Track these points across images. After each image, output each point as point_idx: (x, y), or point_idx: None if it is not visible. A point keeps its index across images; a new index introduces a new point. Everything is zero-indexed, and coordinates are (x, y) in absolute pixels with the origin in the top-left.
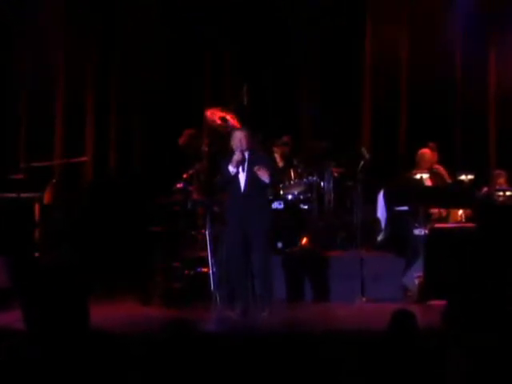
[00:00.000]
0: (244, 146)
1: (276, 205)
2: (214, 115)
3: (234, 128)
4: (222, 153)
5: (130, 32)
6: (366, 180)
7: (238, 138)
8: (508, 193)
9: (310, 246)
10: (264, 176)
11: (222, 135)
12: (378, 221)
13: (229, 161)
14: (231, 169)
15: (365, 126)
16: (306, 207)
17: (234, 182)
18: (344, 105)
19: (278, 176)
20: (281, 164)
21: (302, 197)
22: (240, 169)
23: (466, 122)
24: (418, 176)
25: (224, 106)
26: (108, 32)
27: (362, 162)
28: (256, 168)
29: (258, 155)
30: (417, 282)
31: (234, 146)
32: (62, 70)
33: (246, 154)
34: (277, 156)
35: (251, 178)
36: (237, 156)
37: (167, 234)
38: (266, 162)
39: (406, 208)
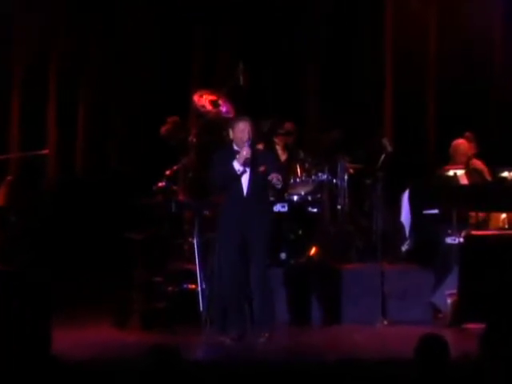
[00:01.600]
0: (250, 136)
1: (279, 207)
2: (203, 99)
3: (229, 116)
4: (212, 145)
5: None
6: (388, 178)
7: (243, 130)
8: None
9: (319, 258)
10: (277, 182)
11: (213, 123)
12: (402, 227)
13: (228, 156)
14: (238, 167)
15: (386, 112)
16: (314, 210)
17: (235, 183)
18: (361, 87)
19: (285, 177)
20: (283, 157)
21: (309, 198)
22: (249, 167)
23: (506, 109)
24: (451, 173)
25: (215, 87)
26: (76, 13)
27: (383, 156)
28: (270, 177)
29: (262, 152)
30: (449, 300)
31: (238, 140)
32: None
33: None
34: (278, 148)
35: (255, 178)
36: (246, 152)
37: (147, 242)
38: (272, 161)
39: (436, 211)
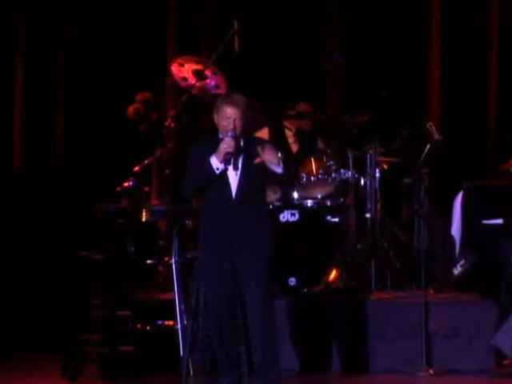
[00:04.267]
0: (239, 127)
1: (287, 216)
2: (185, 69)
3: (219, 91)
4: (197, 131)
5: None
6: (435, 176)
7: (228, 113)
8: None
9: (341, 284)
10: (273, 160)
11: (198, 102)
12: (453, 242)
13: (211, 148)
14: (216, 163)
15: (432, 90)
16: (335, 220)
17: (218, 183)
18: (396, 56)
19: (292, 169)
20: (295, 148)
21: (329, 203)
22: (231, 164)
23: None
24: None
25: (200, 54)
26: None
27: (429, 147)
28: (259, 148)
29: (258, 142)
30: None
31: (222, 128)
32: None
33: (241, 141)
34: (289, 135)
35: (247, 178)
36: (226, 143)
37: (108, 263)
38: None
39: (499, 221)
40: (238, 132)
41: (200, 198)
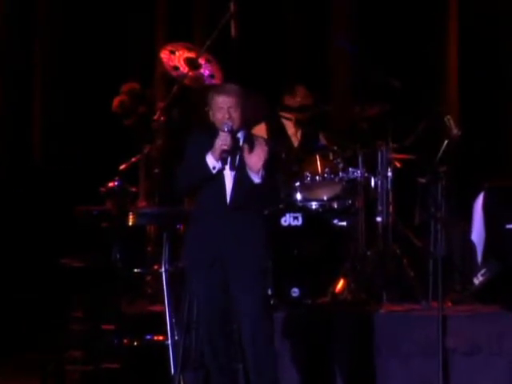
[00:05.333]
0: (236, 119)
1: (289, 220)
2: (176, 57)
3: (214, 81)
4: (190, 126)
5: None
6: (454, 175)
7: (220, 102)
8: None
9: (348, 295)
10: (252, 165)
11: (191, 94)
12: (473, 249)
13: (208, 142)
14: (212, 161)
15: (450, 80)
16: (343, 224)
17: (212, 183)
18: (409, 42)
19: (280, 185)
20: (296, 143)
21: (335, 205)
22: (228, 163)
23: None
24: None
25: (193, 40)
26: None
27: (446, 143)
28: (245, 146)
29: (258, 140)
30: None
31: (217, 120)
32: None
33: (241, 136)
34: (289, 126)
35: (244, 179)
36: (222, 141)
37: (91, 272)
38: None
39: None
40: (235, 125)
41: (192, 198)
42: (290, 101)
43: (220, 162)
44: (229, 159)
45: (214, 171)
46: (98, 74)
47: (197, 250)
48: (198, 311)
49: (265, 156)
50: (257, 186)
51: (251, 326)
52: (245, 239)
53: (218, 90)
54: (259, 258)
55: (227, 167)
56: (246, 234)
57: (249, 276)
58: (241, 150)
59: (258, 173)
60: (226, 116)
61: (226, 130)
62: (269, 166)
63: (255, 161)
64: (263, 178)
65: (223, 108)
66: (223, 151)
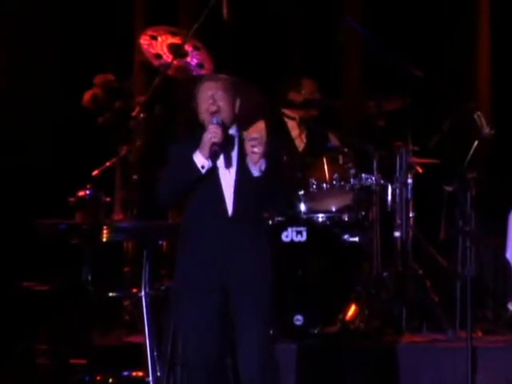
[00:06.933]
0: (225, 110)
1: (291, 235)
2: (158, 44)
3: (203, 72)
4: (175, 124)
5: None
6: (484, 183)
7: (206, 88)
8: None
9: (362, 324)
10: (253, 155)
11: (176, 86)
12: (508, 269)
13: (193, 147)
14: (200, 160)
15: (481, 71)
16: (355, 240)
17: (206, 187)
18: (433, 26)
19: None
20: (301, 144)
21: (346, 218)
22: (221, 161)
23: None
24: None
25: (177, 24)
26: None
27: (476, 144)
28: (244, 134)
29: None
30: None
31: (203, 111)
32: None
33: (234, 132)
34: (292, 126)
35: (246, 181)
36: (211, 132)
37: (59, 296)
38: (277, 151)
39: None
40: (225, 118)
41: (178, 209)
42: (293, 96)
43: (210, 160)
44: (222, 156)
45: (204, 171)
46: (65, 62)
47: (194, 271)
48: (185, 343)
49: (263, 148)
50: (261, 184)
51: (257, 363)
52: (251, 252)
53: (205, 77)
54: (268, 275)
55: (222, 167)
56: (251, 246)
57: (255, 298)
58: (239, 147)
59: (255, 164)
60: (214, 106)
61: (214, 122)
62: (274, 158)
63: (255, 152)
64: (263, 172)
65: (209, 95)
66: (213, 144)
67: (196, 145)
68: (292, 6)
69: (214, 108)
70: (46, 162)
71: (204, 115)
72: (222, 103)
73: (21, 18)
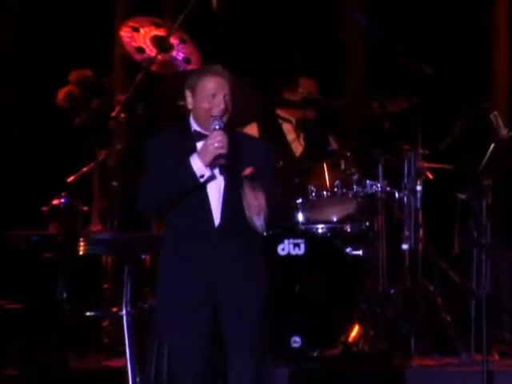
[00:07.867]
0: (229, 114)
1: (288, 247)
2: (140, 36)
3: (190, 67)
4: (159, 125)
5: None
6: (502, 190)
7: (210, 87)
8: None
9: (366, 346)
10: (255, 207)
11: (160, 83)
12: None
13: (180, 145)
14: (200, 168)
15: (498, 67)
16: (358, 253)
17: (193, 199)
18: (445, 19)
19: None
20: (299, 149)
21: (348, 229)
22: (216, 169)
23: None
24: None
25: (162, 14)
26: None
27: (493, 147)
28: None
29: (250, 141)
30: None
31: (202, 112)
32: None
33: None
34: (288, 130)
35: (236, 191)
36: (218, 140)
37: (30, 315)
38: (267, 161)
39: None
40: (225, 117)
41: (162, 219)
42: (288, 95)
43: (210, 170)
44: (223, 166)
45: (202, 180)
46: (38, 57)
47: (177, 288)
48: (170, 367)
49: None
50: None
51: (248, 381)
52: (242, 266)
53: (205, 71)
54: (261, 290)
55: (215, 171)
56: (242, 260)
57: (247, 315)
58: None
59: (258, 216)
60: (222, 106)
61: (217, 127)
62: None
63: (255, 201)
64: (267, 225)
65: (217, 95)
66: (219, 156)
67: (183, 142)
68: (292, 5)
69: (221, 112)
70: (18, 168)
71: (201, 115)
72: (229, 106)
73: (21, 18)
